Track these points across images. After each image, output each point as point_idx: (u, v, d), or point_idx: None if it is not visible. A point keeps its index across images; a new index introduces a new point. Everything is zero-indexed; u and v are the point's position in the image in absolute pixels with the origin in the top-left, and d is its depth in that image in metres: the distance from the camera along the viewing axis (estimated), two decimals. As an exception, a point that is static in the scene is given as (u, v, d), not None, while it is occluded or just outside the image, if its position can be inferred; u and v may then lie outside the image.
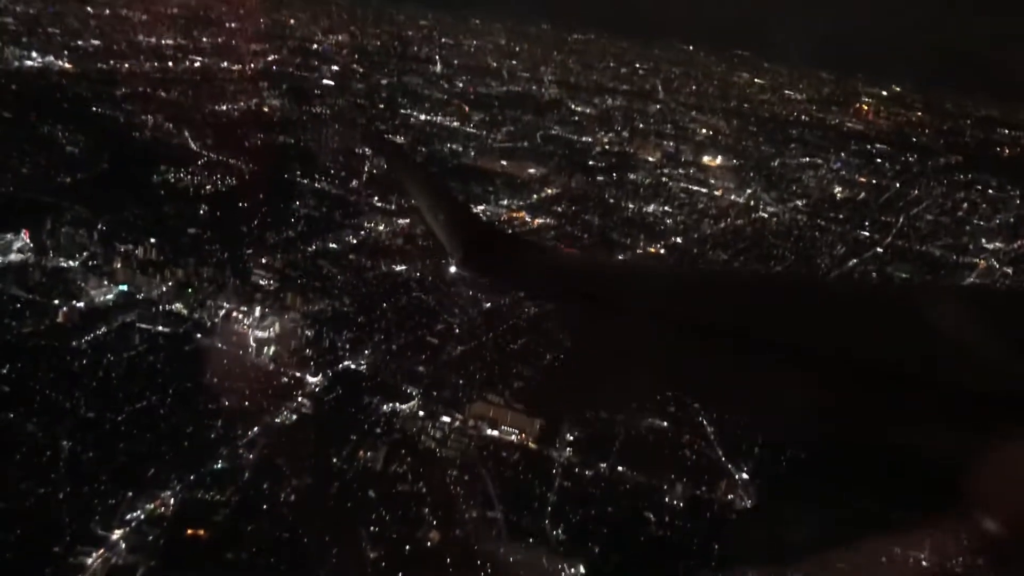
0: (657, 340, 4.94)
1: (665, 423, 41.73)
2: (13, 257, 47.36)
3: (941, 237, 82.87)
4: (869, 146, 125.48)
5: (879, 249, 76.62)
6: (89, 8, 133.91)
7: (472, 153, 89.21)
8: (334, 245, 56.96)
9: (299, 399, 38.91)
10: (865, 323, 4.10)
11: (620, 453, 38.73)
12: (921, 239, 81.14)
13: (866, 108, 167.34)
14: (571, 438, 39.45)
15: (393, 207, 66.14)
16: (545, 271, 6.92)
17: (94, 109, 79.84)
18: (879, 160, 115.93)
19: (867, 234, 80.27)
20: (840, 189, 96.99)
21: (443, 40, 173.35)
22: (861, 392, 3.70)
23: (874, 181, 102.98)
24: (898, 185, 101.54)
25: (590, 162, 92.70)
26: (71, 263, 47.93)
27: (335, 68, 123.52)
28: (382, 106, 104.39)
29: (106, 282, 46.29)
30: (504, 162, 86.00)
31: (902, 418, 3.67)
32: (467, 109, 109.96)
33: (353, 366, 42.69)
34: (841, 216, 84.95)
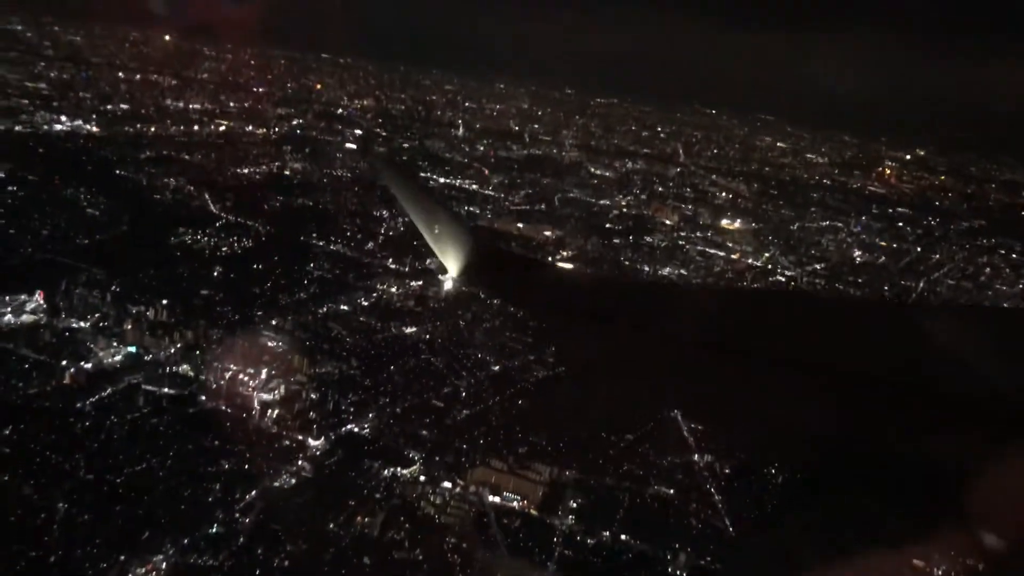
0: (651, 354, 5.19)
1: (671, 490, 41.03)
2: (25, 318, 47.89)
3: (963, 302, 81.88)
4: (891, 210, 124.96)
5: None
6: (121, 74, 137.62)
7: (489, 215, 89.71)
8: (345, 307, 57.09)
9: (299, 463, 38.63)
10: (867, 337, 4.21)
11: (623, 521, 38.06)
12: (942, 304, 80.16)
13: (889, 172, 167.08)
14: (574, 505, 38.81)
15: (406, 269, 66.42)
16: (539, 286, 7.06)
17: (117, 172, 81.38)
18: (900, 224, 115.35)
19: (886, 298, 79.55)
20: (860, 253, 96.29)
21: (467, 104, 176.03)
22: (865, 404, 3.83)
23: (895, 245, 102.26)
24: (919, 249, 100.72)
25: (607, 224, 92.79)
26: (82, 324, 48.35)
27: (358, 132, 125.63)
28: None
29: (115, 343, 46.64)
30: (521, 224, 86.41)
31: (905, 429, 3.77)
32: (487, 172, 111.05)
33: (356, 429, 42.47)
34: (860, 280, 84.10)
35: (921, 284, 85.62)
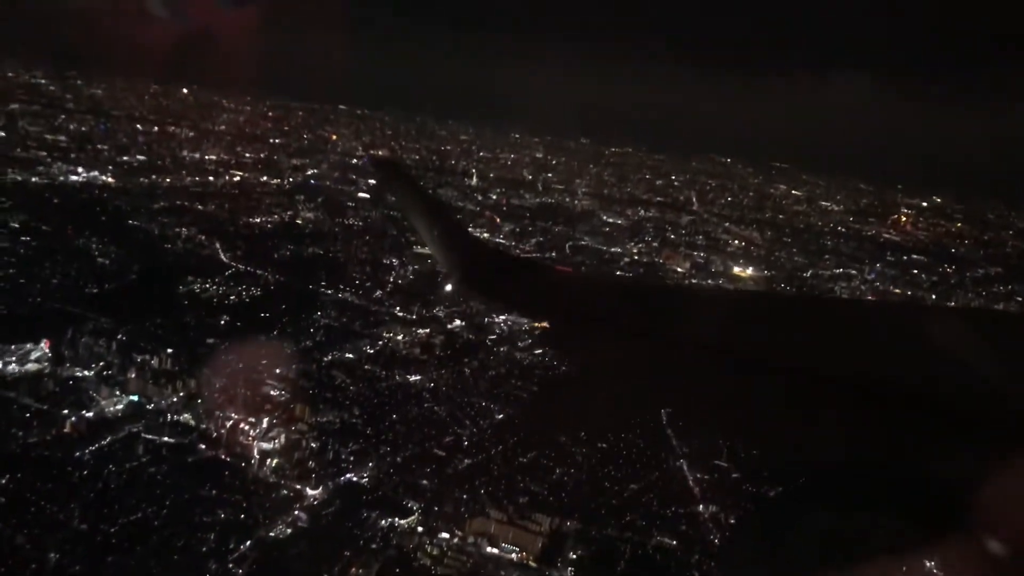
0: (653, 358, 5.08)
1: (674, 541, 40.37)
2: (30, 366, 48.10)
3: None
4: (905, 257, 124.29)
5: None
6: (139, 126, 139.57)
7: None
8: (350, 355, 57.03)
9: (296, 512, 38.36)
10: (873, 346, 4.15)
11: (624, 573, 37.47)
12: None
13: (904, 219, 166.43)
14: (573, 556, 38.25)
15: (413, 317, 66.46)
16: (540, 290, 6.91)
17: (130, 222, 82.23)
18: (915, 271, 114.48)
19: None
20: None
21: (481, 154, 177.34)
22: (869, 414, 3.73)
23: (909, 292, 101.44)
24: (934, 296, 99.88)
25: (617, 272, 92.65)
26: (86, 373, 48.49)
27: (372, 182, 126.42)
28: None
29: (118, 392, 46.73)
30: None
31: (909, 439, 3.65)
32: (498, 220, 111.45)
33: (355, 479, 42.18)
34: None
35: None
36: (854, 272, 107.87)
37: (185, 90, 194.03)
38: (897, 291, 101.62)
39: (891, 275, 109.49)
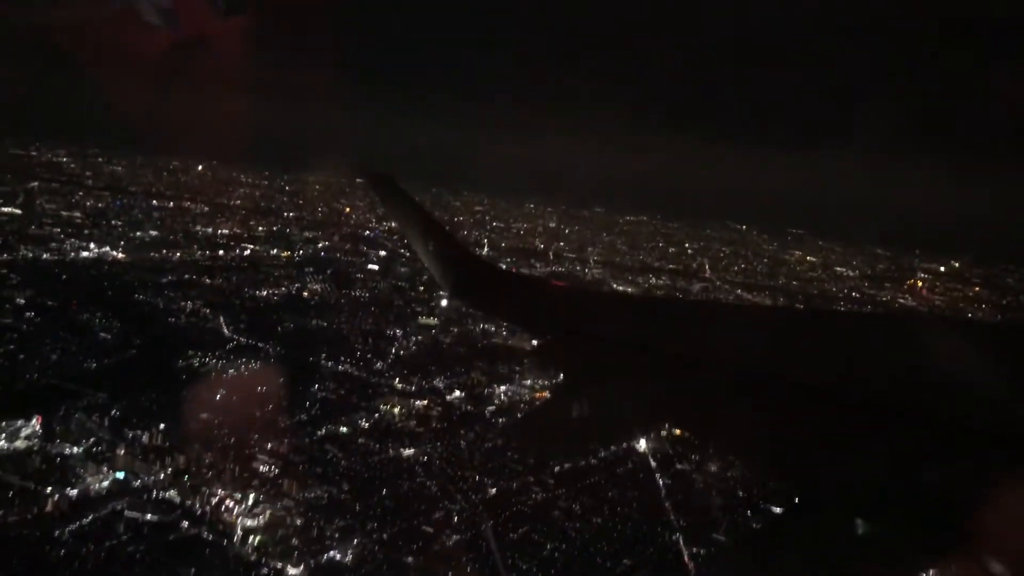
0: (647, 371, 5.08)
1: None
2: (19, 443, 47.99)
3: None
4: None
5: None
6: (155, 201, 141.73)
7: (504, 332, 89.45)
8: (344, 429, 56.60)
9: (274, 592, 37.65)
10: (871, 360, 4.14)
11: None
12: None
13: (920, 283, 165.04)
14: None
15: (412, 388, 66.08)
16: (534, 303, 7.03)
17: (136, 296, 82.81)
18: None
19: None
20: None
21: (494, 224, 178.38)
22: (867, 429, 3.77)
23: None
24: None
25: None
26: (75, 449, 48.28)
27: (383, 253, 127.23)
28: (421, 288, 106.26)
29: (105, 468, 46.43)
30: (535, 342, 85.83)
31: (907, 455, 3.69)
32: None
33: (339, 556, 41.42)
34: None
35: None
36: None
37: (203, 166, 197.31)
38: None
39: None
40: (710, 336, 5.03)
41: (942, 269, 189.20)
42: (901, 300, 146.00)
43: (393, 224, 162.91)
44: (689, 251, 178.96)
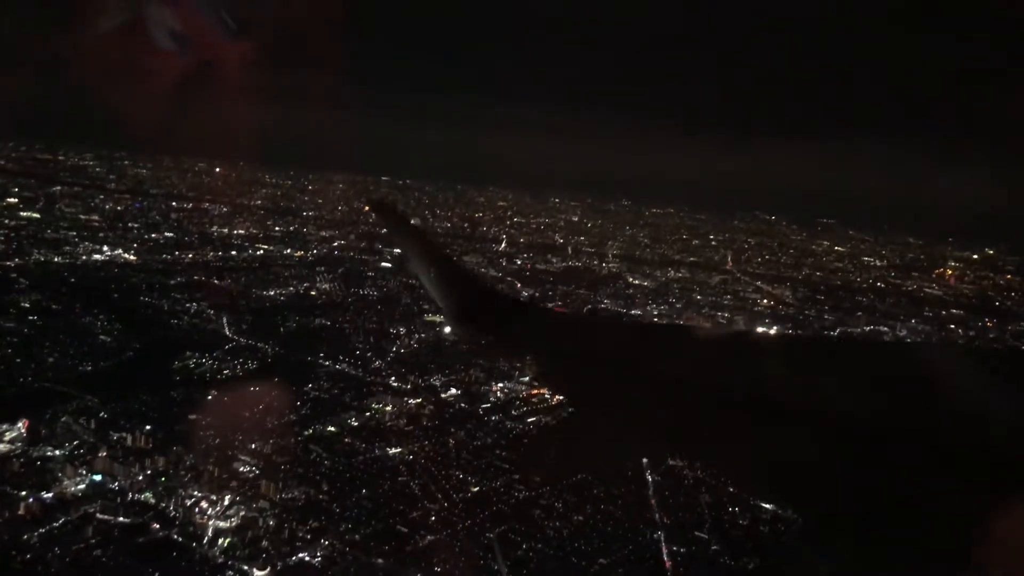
0: (650, 398, 5.04)
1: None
2: (1, 447, 48.31)
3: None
4: (944, 312, 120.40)
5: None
6: (174, 203, 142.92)
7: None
8: (332, 428, 56.36)
9: (236, 595, 37.43)
10: (873, 385, 4.05)
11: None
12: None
13: (950, 272, 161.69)
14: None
15: (408, 387, 65.77)
16: (538, 330, 7.03)
17: (142, 298, 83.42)
18: (952, 326, 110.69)
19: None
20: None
21: (515, 220, 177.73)
22: (868, 454, 3.69)
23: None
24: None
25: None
26: (57, 452, 48.48)
27: (397, 251, 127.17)
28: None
29: (84, 471, 46.55)
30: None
31: (907, 476, 3.64)
32: (519, 285, 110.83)
33: (308, 558, 41.10)
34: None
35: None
36: (885, 329, 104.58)
37: (228, 167, 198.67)
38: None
39: (926, 331, 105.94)
40: (708, 361, 5.05)
41: (975, 257, 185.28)
42: (927, 289, 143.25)
43: (413, 221, 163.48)
44: (713, 243, 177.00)
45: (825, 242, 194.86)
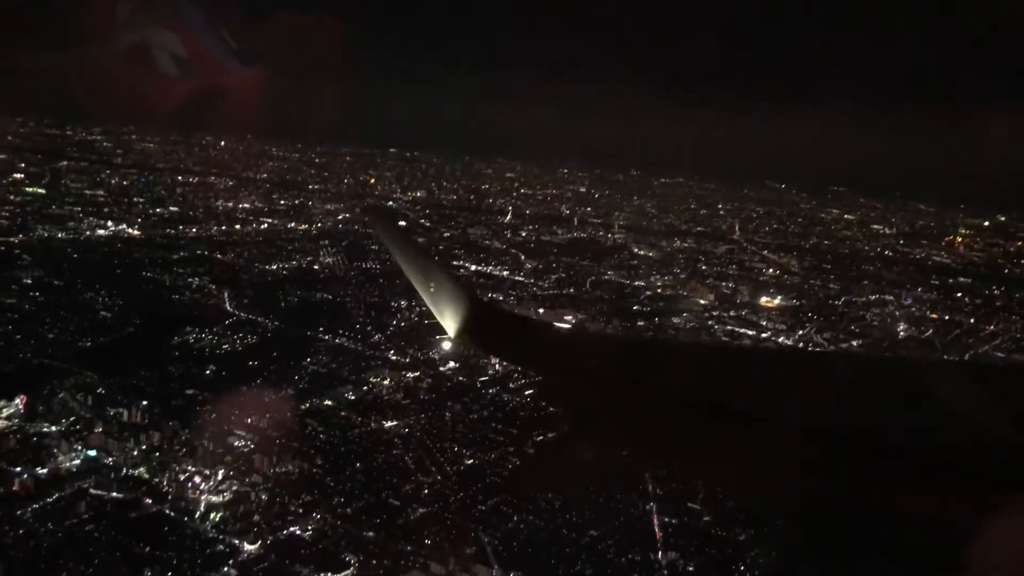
0: (648, 412, 5.10)
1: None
2: (-2, 423, 48.75)
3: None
4: (952, 280, 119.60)
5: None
6: (180, 177, 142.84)
7: (513, 301, 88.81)
8: (329, 402, 56.53)
9: (226, 569, 37.70)
10: (865, 397, 4.13)
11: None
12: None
13: (959, 240, 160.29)
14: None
15: (407, 360, 65.85)
16: (538, 345, 7.06)
17: (144, 274, 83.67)
18: (959, 294, 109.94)
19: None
20: (905, 327, 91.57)
21: (522, 191, 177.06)
22: (859, 463, 3.74)
23: (947, 317, 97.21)
24: (972, 321, 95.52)
25: (635, 306, 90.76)
26: (53, 428, 48.82)
27: (402, 224, 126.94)
28: (436, 258, 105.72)
29: (79, 447, 46.89)
30: (542, 310, 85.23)
31: (902, 489, 3.68)
32: (523, 258, 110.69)
33: (298, 532, 41.39)
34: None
35: (967, 358, 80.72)
36: (890, 298, 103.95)
37: (235, 141, 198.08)
38: (933, 316, 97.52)
39: (931, 300, 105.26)
40: (705, 376, 5.13)
41: (986, 224, 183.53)
42: (936, 257, 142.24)
43: (419, 194, 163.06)
44: (721, 212, 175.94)
45: (834, 210, 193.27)
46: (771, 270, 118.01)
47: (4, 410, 49.73)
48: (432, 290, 7.89)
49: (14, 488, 42.40)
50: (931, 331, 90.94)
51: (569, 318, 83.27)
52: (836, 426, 3.94)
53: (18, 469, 44.03)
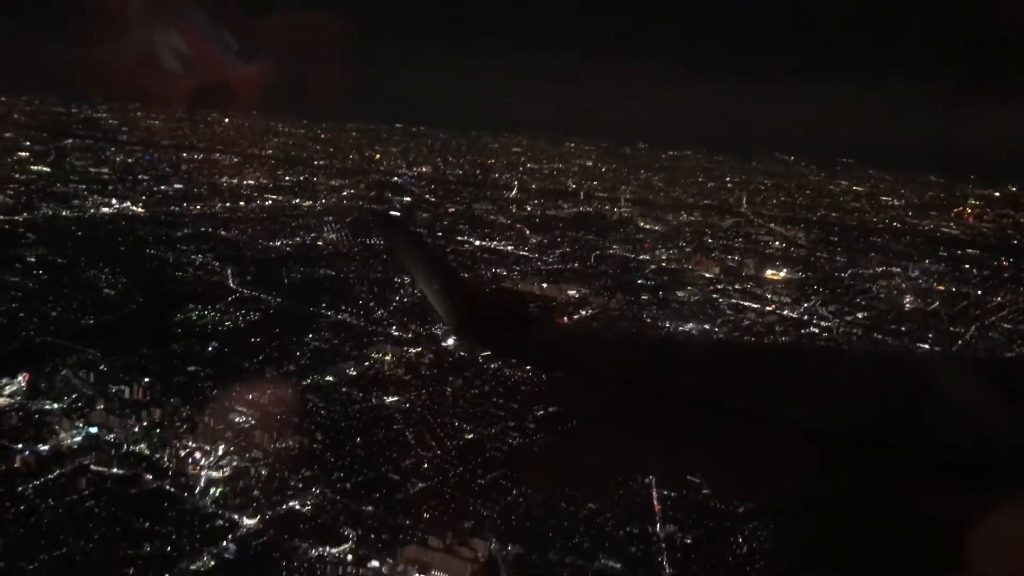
0: (647, 411, 5.10)
1: (618, 564, 38.66)
2: (1, 401, 48.94)
3: (1015, 348, 76.38)
4: (960, 251, 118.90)
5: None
6: (184, 154, 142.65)
7: (517, 276, 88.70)
8: (330, 378, 56.62)
9: (224, 544, 37.90)
10: (867, 393, 4.10)
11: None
12: (989, 351, 74.81)
13: (969, 211, 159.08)
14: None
15: (409, 335, 65.86)
16: (539, 343, 7.11)
17: (147, 251, 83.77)
18: (967, 266, 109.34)
19: (926, 347, 74.53)
20: (911, 299, 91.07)
21: (528, 165, 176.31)
22: (860, 461, 3.73)
23: (954, 289, 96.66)
24: (980, 292, 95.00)
25: (639, 280, 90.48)
26: (55, 406, 49.04)
27: (407, 199, 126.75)
28: (440, 234, 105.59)
29: (80, 424, 47.11)
30: (545, 284, 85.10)
31: (902, 486, 3.68)
32: (527, 232, 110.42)
33: (298, 506, 41.57)
34: (903, 329, 79.38)
35: (972, 329, 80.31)
36: (897, 270, 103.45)
37: (240, 118, 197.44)
38: (940, 288, 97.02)
39: (938, 271, 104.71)
40: (713, 375, 5.10)
41: (996, 195, 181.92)
42: (945, 228, 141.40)
43: (424, 169, 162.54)
44: (729, 185, 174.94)
45: (843, 182, 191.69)
46: (778, 243, 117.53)
47: (7, 387, 49.95)
48: (435, 287, 7.86)
49: (16, 465, 42.62)
50: (937, 303, 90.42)
51: (573, 292, 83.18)
52: (837, 425, 3.92)
53: (19, 446, 44.24)
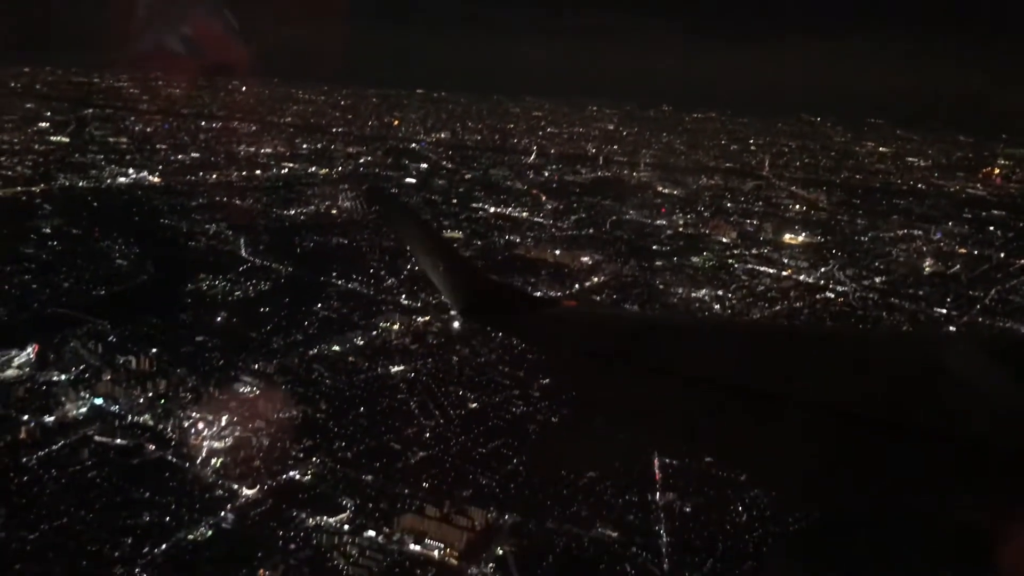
0: (660, 394, 5.12)
1: (615, 533, 38.59)
2: (10, 372, 49.49)
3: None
4: (984, 213, 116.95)
5: (951, 328, 69.88)
6: (203, 123, 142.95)
7: (530, 243, 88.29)
8: (337, 347, 56.76)
9: (223, 513, 38.21)
10: (889, 378, 4.07)
11: (551, 570, 36.03)
12: (1009, 314, 73.53)
13: (996, 172, 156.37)
14: (500, 552, 36.97)
15: (418, 305, 65.81)
16: (544, 323, 7.06)
17: (162, 221, 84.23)
18: (991, 228, 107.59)
19: (943, 311, 73.49)
20: (931, 263, 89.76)
21: (548, 130, 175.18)
22: (882, 451, 3.79)
23: (975, 252, 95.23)
24: (1002, 255, 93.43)
25: (654, 246, 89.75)
26: (63, 377, 49.52)
27: (424, 166, 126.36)
28: (455, 200, 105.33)
29: (87, 395, 47.56)
30: (558, 251, 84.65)
31: (926, 478, 3.74)
32: (543, 198, 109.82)
33: (297, 476, 41.78)
34: (921, 293, 78.28)
35: (992, 292, 78.99)
36: (919, 233, 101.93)
37: (261, 85, 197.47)
38: (962, 251, 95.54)
39: (961, 234, 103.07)
40: (722, 356, 5.02)
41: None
42: (971, 190, 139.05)
43: (442, 135, 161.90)
44: (752, 148, 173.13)
45: (870, 143, 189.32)
46: (798, 206, 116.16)
47: (16, 359, 50.44)
48: (439, 268, 7.81)
49: (21, 436, 43.12)
50: (958, 266, 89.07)
51: (586, 259, 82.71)
52: (855, 408, 3.85)
53: (26, 417, 44.75)
